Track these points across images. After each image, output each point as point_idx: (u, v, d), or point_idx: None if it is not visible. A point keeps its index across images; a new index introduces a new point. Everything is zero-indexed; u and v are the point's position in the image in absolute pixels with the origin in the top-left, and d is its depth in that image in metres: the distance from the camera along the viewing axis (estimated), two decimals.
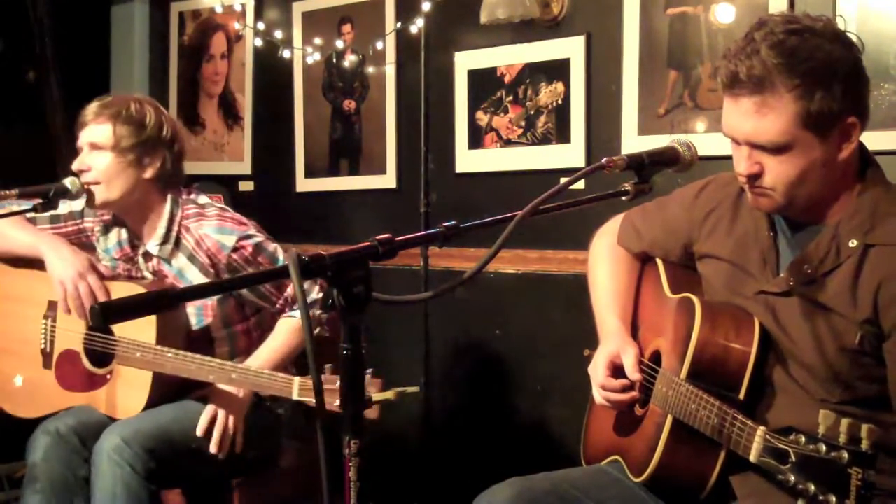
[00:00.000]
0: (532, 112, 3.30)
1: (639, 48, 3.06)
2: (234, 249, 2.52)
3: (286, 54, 3.75)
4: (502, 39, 3.35)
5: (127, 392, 2.50)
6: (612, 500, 1.92)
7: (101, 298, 2.54)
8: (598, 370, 2.00)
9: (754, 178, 1.70)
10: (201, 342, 2.57)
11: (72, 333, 2.61)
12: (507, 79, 3.35)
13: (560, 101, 3.23)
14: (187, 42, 4.31)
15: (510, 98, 3.35)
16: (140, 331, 2.43)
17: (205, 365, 2.36)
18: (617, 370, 1.99)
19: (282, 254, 2.60)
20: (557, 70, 3.23)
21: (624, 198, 1.61)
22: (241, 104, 4.13)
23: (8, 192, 2.37)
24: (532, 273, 3.32)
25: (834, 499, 1.44)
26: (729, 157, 1.76)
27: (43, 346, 2.66)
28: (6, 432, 2.73)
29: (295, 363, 2.65)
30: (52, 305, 2.65)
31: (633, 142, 3.05)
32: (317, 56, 3.77)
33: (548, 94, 3.26)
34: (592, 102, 3.18)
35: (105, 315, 1.18)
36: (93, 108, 2.52)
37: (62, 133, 4.18)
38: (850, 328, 1.68)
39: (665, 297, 2.02)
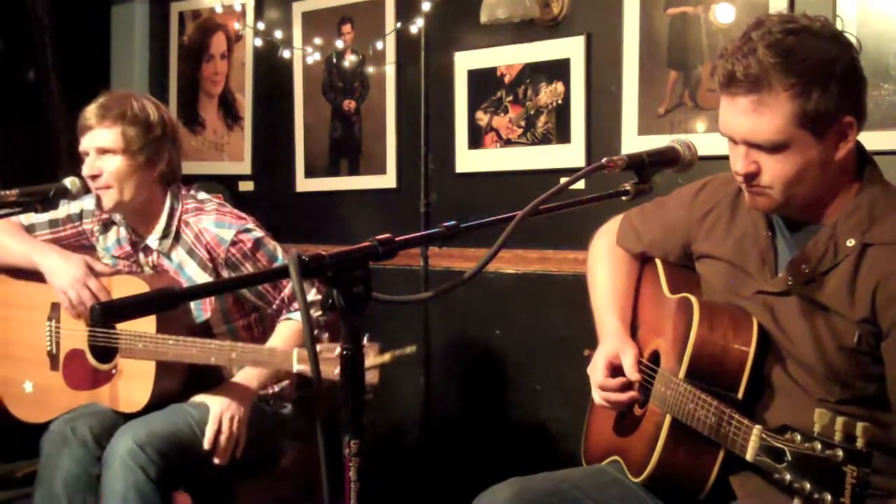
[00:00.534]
0: (532, 112, 3.30)
1: (639, 48, 3.06)
2: (233, 243, 2.53)
3: (286, 54, 3.75)
4: (502, 39, 3.36)
5: (131, 385, 2.51)
6: (612, 500, 1.92)
7: (103, 298, 2.54)
8: (597, 370, 2.01)
9: (751, 178, 1.71)
10: (203, 337, 2.57)
11: (76, 332, 2.61)
12: (507, 79, 3.35)
13: (560, 101, 3.24)
14: (187, 42, 4.32)
15: (510, 98, 3.35)
16: (140, 323, 2.42)
17: (205, 347, 2.37)
18: (616, 370, 2.00)
19: (280, 251, 2.61)
20: (557, 70, 3.23)
21: (624, 198, 1.61)
22: (241, 104, 4.13)
23: (8, 192, 2.37)
24: (532, 273, 3.32)
25: (829, 497, 1.44)
26: (729, 157, 1.76)
27: (49, 349, 2.66)
28: (8, 432, 2.73)
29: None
30: (54, 307, 2.66)
31: (633, 142, 3.05)
32: (317, 56, 3.77)
33: (548, 94, 3.26)
34: (592, 102, 3.18)
35: (105, 315, 1.19)
36: (94, 111, 2.50)
37: (62, 133, 4.18)
38: (848, 327, 1.69)
39: (664, 298, 2.02)
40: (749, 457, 1.62)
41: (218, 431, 2.44)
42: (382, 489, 3.40)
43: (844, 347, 1.69)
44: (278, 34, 3.77)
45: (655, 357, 1.97)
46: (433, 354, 3.59)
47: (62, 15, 4.23)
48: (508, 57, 3.35)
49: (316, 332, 2.60)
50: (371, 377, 2.11)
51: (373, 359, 2.06)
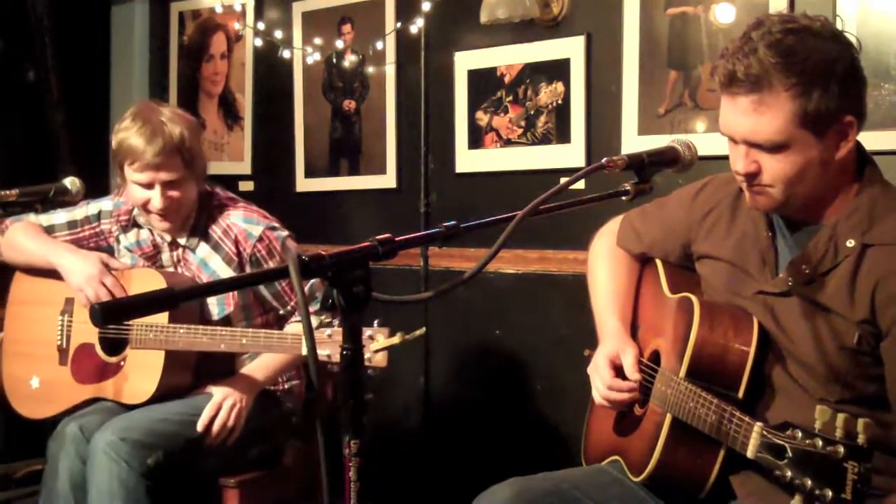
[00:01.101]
0: (532, 112, 3.30)
1: (639, 48, 3.06)
2: (260, 239, 2.59)
3: (286, 54, 3.75)
4: (502, 39, 3.36)
5: (139, 376, 2.52)
6: (612, 500, 1.92)
7: (118, 294, 2.58)
8: (597, 370, 2.01)
9: (752, 177, 1.71)
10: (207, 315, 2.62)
11: (88, 326, 2.64)
12: (507, 79, 3.35)
13: (560, 101, 3.23)
14: (187, 42, 4.31)
15: (510, 98, 3.35)
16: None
17: (216, 335, 2.41)
18: (616, 370, 2.00)
19: (294, 247, 2.67)
20: (557, 70, 3.23)
21: (624, 198, 1.61)
22: (241, 104, 4.13)
23: (8, 192, 2.38)
24: (532, 273, 3.32)
25: (830, 493, 1.44)
26: (729, 157, 1.76)
27: (59, 343, 2.69)
28: (8, 432, 2.73)
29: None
30: (68, 302, 2.70)
31: (633, 142, 3.05)
32: (317, 56, 3.77)
33: (548, 94, 3.26)
34: (592, 102, 3.18)
35: (105, 316, 1.19)
36: (148, 147, 2.47)
37: (62, 133, 4.19)
38: (848, 328, 1.69)
39: (664, 297, 2.02)
40: (750, 454, 1.62)
41: (214, 416, 2.46)
42: (382, 489, 3.40)
43: (845, 348, 1.69)
44: (278, 34, 3.77)
45: (656, 357, 1.98)
46: (433, 354, 3.59)
47: (62, 15, 4.23)
48: (508, 57, 3.35)
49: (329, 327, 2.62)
50: (380, 360, 2.12)
51: (382, 341, 2.07)
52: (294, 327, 2.62)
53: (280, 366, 2.63)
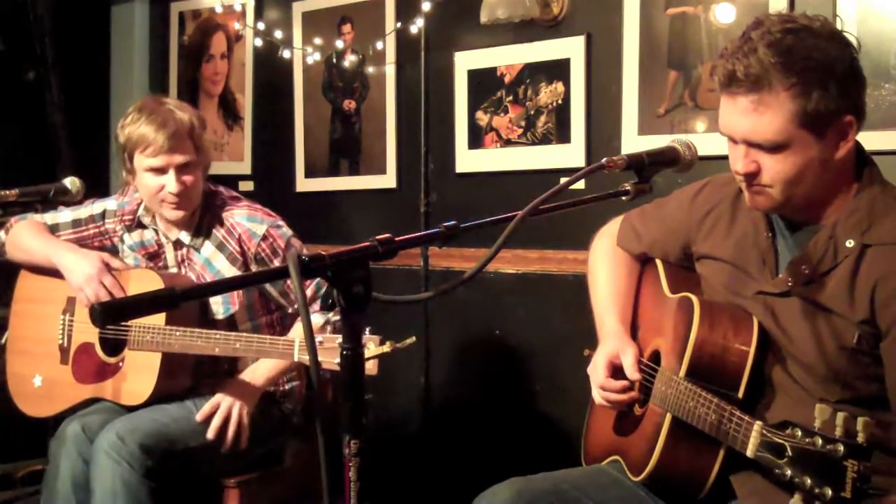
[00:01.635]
0: (532, 112, 3.30)
1: (639, 48, 3.06)
2: (264, 238, 2.60)
3: (286, 54, 3.75)
4: (502, 39, 3.36)
5: (136, 378, 2.53)
6: (612, 500, 1.92)
7: (117, 294, 2.59)
8: (597, 370, 2.01)
9: (751, 177, 1.71)
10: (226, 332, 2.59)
11: (89, 326, 2.64)
12: (507, 79, 3.35)
13: (560, 101, 3.23)
14: (187, 42, 4.31)
15: (510, 98, 3.35)
16: (151, 316, 2.44)
17: (210, 338, 2.40)
18: (616, 370, 2.00)
19: (301, 248, 2.66)
20: (557, 70, 3.23)
21: (624, 198, 1.61)
22: (241, 104, 4.13)
23: (8, 192, 2.38)
24: (532, 273, 3.32)
25: (830, 491, 1.45)
26: (728, 157, 1.76)
27: (61, 342, 2.70)
28: (9, 432, 2.74)
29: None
30: (70, 301, 2.71)
31: (633, 142, 3.05)
32: (317, 56, 3.77)
33: (548, 94, 3.26)
34: (592, 102, 3.18)
35: (104, 316, 1.18)
36: (159, 132, 2.51)
37: (62, 133, 4.18)
38: (848, 328, 1.69)
39: (664, 297, 2.02)
40: (750, 453, 1.62)
41: (226, 421, 2.47)
42: (382, 489, 3.40)
43: (844, 348, 1.69)
44: (278, 34, 3.77)
45: (656, 357, 1.98)
46: (433, 354, 3.59)
47: (62, 15, 4.23)
48: (508, 57, 3.35)
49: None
50: (370, 368, 2.12)
51: (373, 350, 2.07)
52: (300, 328, 2.61)
53: (282, 368, 2.62)
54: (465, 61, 3.45)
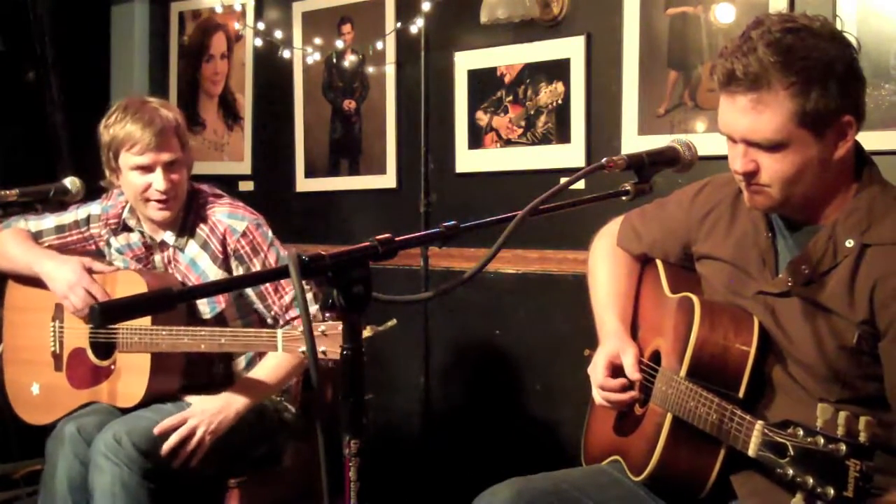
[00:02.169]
0: (532, 112, 3.30)
1: (639, 48, 3.06)
2: (243, 235, 2.58)
3: (286, 54, 3.75)
4: (502, 39, 3.36)
5: (128, 380, 2.52)
6: (612, 500, 1.92)
7: (101, 297, 2.56)
8: (597, 370, 2.01)
9: (750, 177, 1.71)
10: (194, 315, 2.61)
11: (78, 331, 2.63)
12: (507, 79, 3.35)
13: (560, 101, 3.23)
14: (187, 42, 4.31)
15: (510, 98, 3.35)
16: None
17: (196, 335, 2.39)
18: (617, 370, 2.00)
19: (285, 253, 2.63)
20: (557, 70, 3.23)
21: (624, 198, 1.61)
22: (241, 104, 4.13)
23: (8, 192, 2.38)
24: (532, 273, 3.32)
25: (832, 491, 1.44)
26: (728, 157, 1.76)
27: (53, 349, 2.68)
28: (9, 433, 2.74)
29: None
30: (58, 308, 2.68)
31: (633, 142, 3.05)
32: (317, 56, 3.77)
33: (548, 94, 3.26)
34: (592, 102, 3.18)
35: (104, 316, 1.19)
36: (146, 130, 2.51)
37: (62, 133, 4.18)
38: (848, 328, 1.69)
39: (665, 297, 2.02)
40: (751, 452, 1.62)
41: (185, 438, 2.41)
42: (382, 489, 3.40)
43: (844, 348, 1.69)
44: (278, 34, 3.77)
45: (656, 357, 1.98)
46: (433, 354, 3.59)
47: (62, 15, 4.23)
48: (508, 57, 3.35)
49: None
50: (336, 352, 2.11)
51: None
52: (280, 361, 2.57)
53: (287, 369, 2.56)
54: (465, 61, 3.45)
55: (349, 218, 3.82)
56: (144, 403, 2.50)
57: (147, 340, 2.44)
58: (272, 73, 4.00)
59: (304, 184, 3.95)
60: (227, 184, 4.06)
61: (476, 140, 3.44)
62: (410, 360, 3.59)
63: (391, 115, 3.65)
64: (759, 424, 1.62)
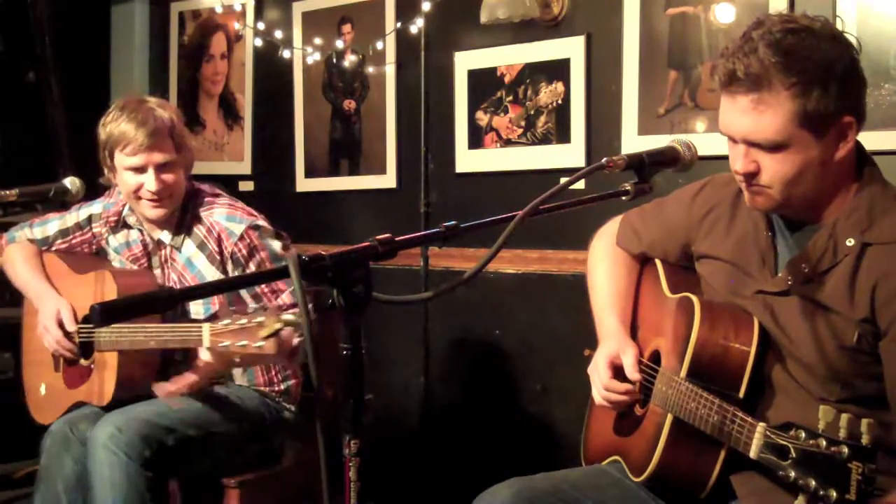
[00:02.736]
0: (532, 112, 3.30)
1: (639, 48, 3.06)
2: (241, 238, 2.57)
3: (286, 54, 3.75)
4: (502, 39, 3.35)
5: (102, 378, 2.53)
6: (612, 500, 1.92)
7: (63, 348, 2.61)
8: (597, 371, 2.01)
9: (751, 177, 1.71)
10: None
11: (75, 332, 2.64)
12: (507, 79, 3.35)
13: (560, 101, 3.23)
14: (187, 42, 4.31)
15: (510, 98, 3.35)
16: None
17: (148, 332, 2.39)
18: (616, 370, 2.00)
19: (280, 251, 2.62)
20: (557, 70, 3.23)
21: (624, 198, 1.61)
22: (241, 104, 4.13)
23: (8, 192, 2.38)
24: (532, 273, 3.32)
25: (835, 493, 1.44)
26: (728, 157, 1.76)
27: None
28: (8, 432, 2.75)
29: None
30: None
31: (633, 142, 3.05)
32: (317, 56, 3.77)
33: (548, 94, 3.26)
34: (592, 102, 3.18)
35: (104, 316, 1.19)
36: (139, 129, 2.51)
37: (62, 133, 4.18)
38: (848, 327, 1.69)
39: (664, 297, 2.02)
40: (753, 454, 1.62)
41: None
42: (382, 489, 3.40)
43: (844, 347, 1.69)
44: (278, 34, 3.77)
45: (656, 357, 1.97)
46: (433, 354, 3.59)
47: (62, 15, 4.23)
48: (508, 57, 3.35)
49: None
50: (270, 347, 2.07)
51: (269, 326, 2.03)
52: None
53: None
54: (465, 61, 3.45)
55: (349, 218, 3.82)
56: (115, 401, 2.48)
57: (114, 339, 2.45)
58: (272, 73, 4.00)
59: (304, 184, 3.95)
60: (227, 184, 4.05)
61: (476, 140, 3.44)
62: (410, 360, 3.59)
63: (391, 115, 3.65)
64: (760, 426, 1.62)
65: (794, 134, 1.64)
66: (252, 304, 2.59)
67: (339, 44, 3.72)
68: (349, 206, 3.82)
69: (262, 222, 2.64)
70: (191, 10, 4.30)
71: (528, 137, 3.31)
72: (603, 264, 2.19)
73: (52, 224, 2.78)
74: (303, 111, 3.92)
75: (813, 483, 1.47)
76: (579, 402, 2.26)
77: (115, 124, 2.53)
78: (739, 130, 1.68)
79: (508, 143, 3.36)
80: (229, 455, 2.56)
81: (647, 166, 1.62)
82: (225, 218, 2.60)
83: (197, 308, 2.60)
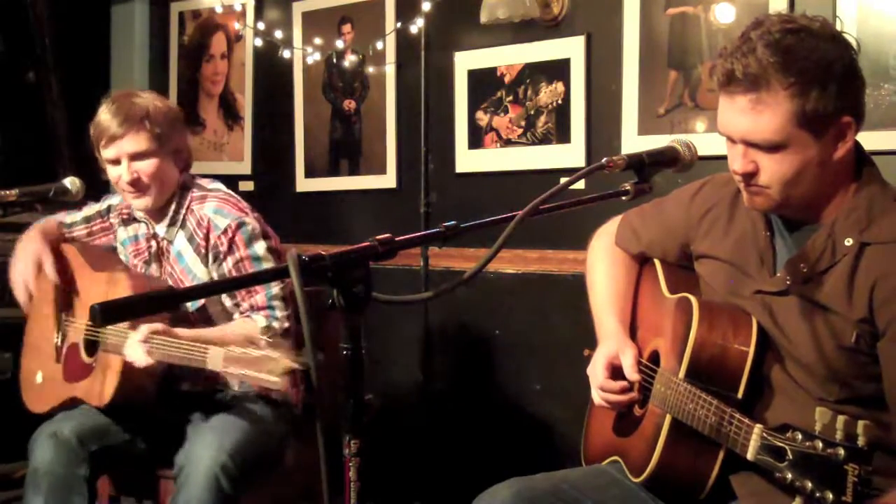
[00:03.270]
0: (532, 112, 3.30)
1: (639, 48, 3.06)
2: (224, 232, 2.55)
3: (286, 54, 3.75)
4: (502, 39, 3.36)
5: (103, 378, 2.50)
6: (612, 500, 1.92)
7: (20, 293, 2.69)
8: (596, 371, 2.01)
9: (749, 177, 1.71)
10: (202, 324, 2.56)
11: (80, 325, 2.64)
12: (507, 79, 3.35)
13: (560, 101, 3.23)
14: (187, 42, 4.32)
15: (510, 98, 3.35)
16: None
17: (159, 343, 2.32)
18: (615, 371, 2.00)
19: (263, 252, 2.58)
20: (557, 70, 3.23)
21: (624, 198, 1.61)
22: (241, 104, 4.13)
23: (8, 192, 2.38)
24: (532, 273, 3.32)
25: (831, 495, 1.44)
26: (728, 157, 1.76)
27: (56, 341, 2.72)
28: (7, 432, 2.75)
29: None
30: (63, 299, 2.71)
31: (633, 142, 3.05)
32: (317, 56, 3.77)
33: (548, 94, 3.26)
34: (592, 102, 3.18)
35: (104, 316, 1.19)
36: (113, 119, 2.50)
37: (62, 133, 4.19)
38: (846, 327, 1.69)
39: (663, 298, 2.02)
40: (750, 456, 1.62)
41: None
42: (383, 489, 3.40)
43: (843, 347, 1.69)
44: (278, 34, 3.77)
45: (655, 357, 1.97)
46: (433, 354, 3.59)
47: (62, 15, 4.23)
48: (508, 57, 3.35)
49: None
50: (278, 383, 2.05)
51: (285, 364, 2.03)
52: (239, 322, 2.53)
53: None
54: (465, 61, 3.45)
55: (349, 218, 3.82)
56: (112, 405, 2.46)
57: (118, 342, 2.39)
58: (272, 73, 4.00)
59: (304, 184, 3.95)
60: (227, 184, 4.03)
61: (476, 140, 3.44)
62: (410, 360, 3.59)
63: (391, 115, 3.66)
64: (757, 428, 1.62)
65: (792, 134, 1.64)
66: (227, 301, 2.58)
67: (339, 44, 3.73)
68: (349, 207, 3.82)
69: (249, 220, 2.58)
70: (191, 10, 4.30)
71: (528, 137, 3.32)
72: (602, 264, 2.19)
73: (80, 212, 2.83)
74: (303, 111, 3.92)
75: (809, 485, 1.47)
76: (579, 402, 2.26)
77: (96, 118, 2.55)
78: (738, 130, 1.68)
79: (508, 143, 3.36)
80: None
81: (646, 166, 1.62)
82: (213, 210, 2.58)
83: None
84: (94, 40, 4.46)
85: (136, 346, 2.29)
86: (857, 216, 1.70)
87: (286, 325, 2.53)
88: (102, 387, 2.50)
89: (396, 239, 1.38)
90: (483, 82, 3.41)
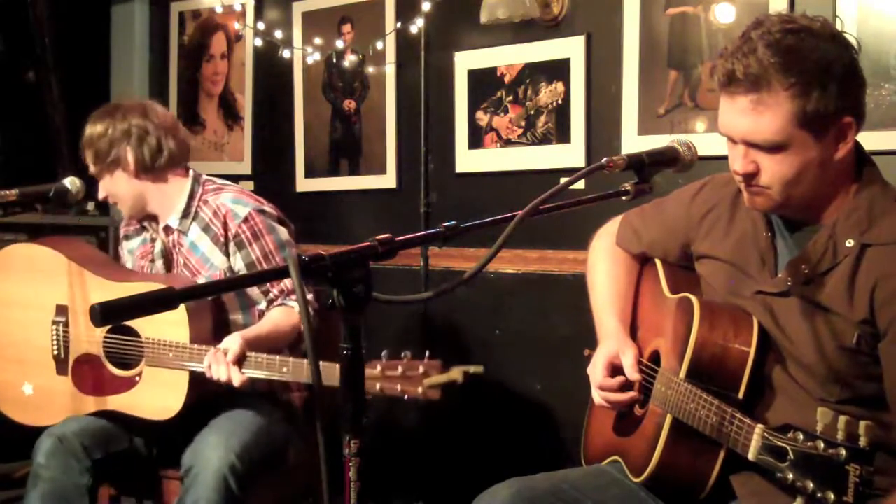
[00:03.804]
0: (532, 112, 3.30)
1: (639, 48, 3.06)
2: (245, 220, 2.58)
3: (286, 54, 3.75)
4: (502, 39, 3.36)
5: (162, 392, 2.46)
6: (612, 500, 1.92)
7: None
8: (597, 371, 2.01)
9: (750, 177, 1.71)
10: (221, 326, 2.58)
11: (89, 338, 2.59)
12: (507, 79, 3.35)
13: (560, 101, 3.23)
14: (187, 42, 4.31)
15: (510, 98, 3.35)
16: (170, 330, 2.42)
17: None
18: (616, 370, 2.00)
19: (286, 237, 2.62)
20: (557, 70, 3.23)
21: (624, 198, 1.61)
22: (241, 104, 4.13)
23: (8, 192, 2.38)
24: (532, 273, 3.32)
25: (832, 496, 1.44)
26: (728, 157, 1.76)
27: (56, 353, 2.63)
28: (7, 433, 2.73)
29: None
30: (60, 310, 2.64)
31: (633, 142, 3.05)
32: (317, 56, 3.77)
33: (548, 94, 3.26)
34: (592, 102, 3.18)
35: (104, 316, 1.18)
36: (86, 151, 2.65)
37: (62, 133, 4.18)
38: (847, 328, 1.69)
39: (664, 298, 2.02)
40: (751, 456, 1.62)
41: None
42: (382, 489, 3.40)
43: (844, 348, 1.69)
44: (278, 34, 3.77)
45: (655, 357, 1.97)
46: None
47: (62, 15, 4.23)
48: (508, 57, 3.35)
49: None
50: (434, 394, 2.13)
51: (436, 378, 2.06)
52: (277, 311, 2.55)
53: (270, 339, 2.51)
54: (465, 61, 3.45)
55: (349, 218, 3.82)
56: (180, 416, 2.45)
57: (180, 356, 2.39)
58: (272, 73, 4.00)
59: (304, 184, 3.95)
60: None
61: (476, 140, 3.44)
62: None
63: (391, 115, 3.66)
64: (758, 428, 1.61)
65: (793, 134, 1.64)
66: (255, 289, 2.59)
67: (339, 44, 3.73)
68: (349, 206, 3.82)
69: (268, 208, 2.65)
70: (191, 10, 4.30)
71: (528, 137, 3.31)
72: (603, 264, 2.19)
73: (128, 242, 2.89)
74: (303, 111, 3.92)
75: (811, 485, 1.47)
76: (579, 402, 2.26)
77: None
78: (738, 131, 1.68)
79: (508, 143, 3.36)
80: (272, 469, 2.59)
81: (647, 166, 1.62)
82: (231, 200, 2.62)
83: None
84: (94, 40, 4.46)
85: (230, 369, 2.31)
86: (858, 217, 1.70)
87: (317, 305, 2.56)
88: (164, 400, 2.45)
89: (396, 239, 1.37)
90: (483, 82, 3.41)
